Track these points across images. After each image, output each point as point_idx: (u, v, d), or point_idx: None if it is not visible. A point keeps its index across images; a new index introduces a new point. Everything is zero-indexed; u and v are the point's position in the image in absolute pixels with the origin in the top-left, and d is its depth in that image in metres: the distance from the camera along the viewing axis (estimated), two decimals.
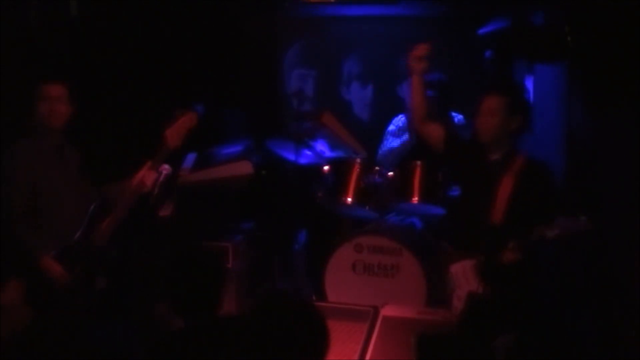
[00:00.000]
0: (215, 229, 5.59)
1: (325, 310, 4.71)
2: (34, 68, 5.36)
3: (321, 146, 6.00)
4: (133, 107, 5.88)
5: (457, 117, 5.87)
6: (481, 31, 6.04)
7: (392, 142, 5.98)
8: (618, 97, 4.75)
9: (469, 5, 6.43)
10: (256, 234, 5.86)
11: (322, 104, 6.98)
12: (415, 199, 5.38)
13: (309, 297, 5.53)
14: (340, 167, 5.59)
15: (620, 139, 4.82)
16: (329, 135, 5.96)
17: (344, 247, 5.43)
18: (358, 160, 5.56)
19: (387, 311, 4.56)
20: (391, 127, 6.00)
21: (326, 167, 5.72)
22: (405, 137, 5.93)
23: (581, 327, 4.79)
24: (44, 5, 5.63)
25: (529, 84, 5.81)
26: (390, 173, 5.52)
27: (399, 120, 5.98)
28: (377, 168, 5.57)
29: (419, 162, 5.41)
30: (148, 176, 4.56)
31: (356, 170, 5.51)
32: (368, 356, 4.28)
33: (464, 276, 4.39)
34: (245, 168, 5.53)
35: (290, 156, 5.78)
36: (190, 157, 5.52)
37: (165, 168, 4.93)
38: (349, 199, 5.48)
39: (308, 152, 5.82)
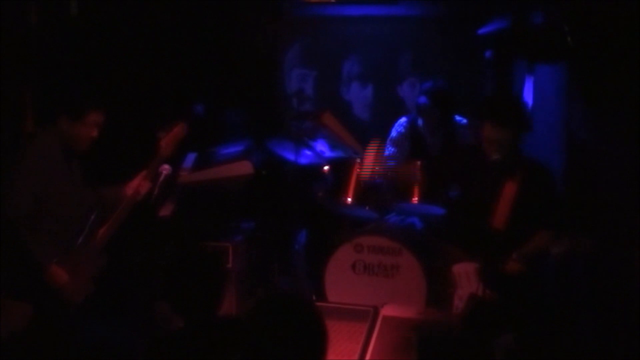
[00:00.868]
0: (215, 229, 5.59)
1: (325, 310, 4.74)
2: (34, 68, 5.37)
3: (321, 146, 6.00)
4: (132, 107, 5.88)
5: (460, 120, 5.87)
6: (481, 31, 6.04)
7: (392, 151, 5.92)
8: (618, 97, 4.75)
9: (469, 5, 6.43)
10: (256, 234, 5.86)
11: (322, 104, 6.97)
12: (415, 199, 5.39)
13: (309, 297, 5.53)
14: (340, 167, 5.59)
15: (620, 139, 4.81)
16: (329, 135, 5.96)
17: (344, 247, 5.43)
18: (358, 160, 5.56)
19: (387, 311, 4.56)
20: (393, 134, 5.95)
21: (326, 167, 5.72)
22: (405, 145, 5.89)
23: (581, 328, 4.79)
24: (44, 5, 5.63)
25: (529, 84, 5.81)
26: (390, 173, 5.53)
27: (400, 125, 5.94)
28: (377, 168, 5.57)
29: (418, 162, 5.41)
30: (143, 185, 4.58)
31: (356, 170, 5.51)
32: (368, 356, 4.28)
33: (466, 277, 4.38)
34: (245, 168, 5.53)
35: (290, 156, 5.77)
36: (190, 157, 5.52)
37: (165, 168, 4.93)
38: (349, 199, 5.49)
39: (308, 152, 5.81)
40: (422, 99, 5.71)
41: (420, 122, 5.83)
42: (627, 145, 4.72)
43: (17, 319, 4.19)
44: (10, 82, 5.20)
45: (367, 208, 5.57)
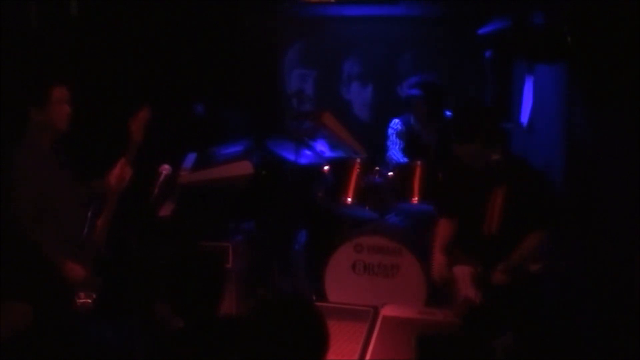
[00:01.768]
0: (215, 229, 5.59)
1: (325, 310, 4.73)
2: (34, 68, 5.36)
3: (321, 146, 6.00)
4: (131, 107, 5.87)
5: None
6: (481, 31, 6.04)
7: (392, 148, 5.95)
8: (618, 97, 4.74)
9: (469, 5, 6.43)
10: (256, 234, 5.86)
11: (322, 104, 6.98)
12: (415, 199, 5.39)
13: (309, 297, 5.53)
14: (340, 167, 5.60)
15: (620, 139, 4.81)
16: (329, 135, 5.97)
17: (344, 247, 5.43)
18: (358, 160, 5.57)
19: (387, 311, 4.56)
20: (390, 131, 5.97)
21: (326, 167, 5.72)
22: (400, 143, 5.91)
23: (581, 327, 4.79)
24: (44, 5, 5.62)
25: (529, 84, 5.81)
26: (390, 173, 5.53)
27: (396, 124, 5.96)
28: (377, 168, 5.57)
29: (419, 162, 5.41)
30: (125, 172, 4.56)
31: (356, 170, 5.51)
32: (368, 356, 4.28)
33: (463, 280, 4.38)
34: (245, 168, 5.53)
35: (290, 156, 5.78)
36: (190, 157, 5.52)
37: (165, 168, 4.93)
38: (349, 199, 5.49)
39: (308, 152, 5.82)
40: (412, 91, 5.77)
41: (412, 120, 5.86)
42: (627, 145, 4.72)
43: (17, 319, 4.19)
44: (10, 82, 5.19)
45: (367, 208, 5.57)
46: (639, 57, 4.55)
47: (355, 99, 7.15)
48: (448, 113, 5.86)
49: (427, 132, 5.84)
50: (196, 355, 3.21)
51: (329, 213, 5.79)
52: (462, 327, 4.17)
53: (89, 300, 4.39)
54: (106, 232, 4.50)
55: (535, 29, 5.52)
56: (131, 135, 4.54)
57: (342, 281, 5.42)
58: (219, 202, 5.71)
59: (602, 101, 4.92)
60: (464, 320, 4.21)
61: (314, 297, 5.49)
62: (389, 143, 5.94)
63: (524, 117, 5.84)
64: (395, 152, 5.88)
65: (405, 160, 5.76)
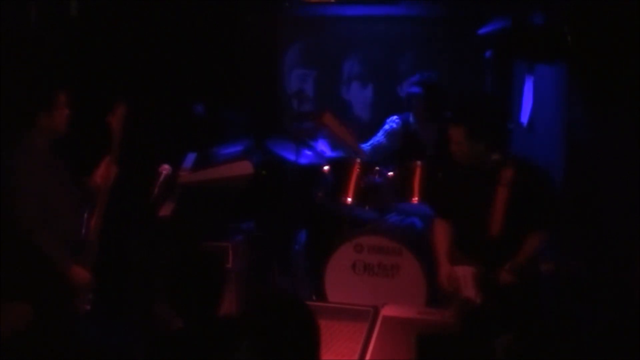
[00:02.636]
0: (215, 229, 5.58)
1: (325, 310, 4.75)
2: (39, 72, 5.36)
3: (321, 146, 6.00)
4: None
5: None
6: (481, 31, 6.04)
7: (381, 141, 5.94)
8: (618, 97, 4.75)
9: (469, 5, 6.42)
10: (256, 234, 5.86)
11: (322, 104, 6.97)
12: (415, 199, 5.38)
13: (309, 297, 5.53)
14: (340, 167, 5.60)
15: (620, 139, 4.81)
16: (329, 136, 5.97)
17: (344, 247, 5.43)
18: (358, 160, 5.57)
19: (387, 311, 4.55)
20: (386, 127, 5.97)
21: (326, 167, 5.72)
22: (395, 141, 5.91)
23: (580, 327, 4.79)
24: (44, 5, 5.62)
25: (529, 83, 5.81)
26: (390, 173, 5.52)
27: (393, 121, 5.96)
28: (377, 168, 5.57)
29: (419, 162, 5.41)
30: (110, 170, 4.55)
31: (356, 170, 5.51)
32: (368, 356, 4.28)
33: (464, 281, 4.37)
34: (245, 168, 5.53)
35: (290, 156, 5.78)
36: (190, 157, 5.52)
37: (165, 168, 4.94)
38: (349, 199, 5.49)
39: (308, 152, 5.82)
40: (412, 89, 5.78)
41: (411, 118, 5.86)
42: (627, 145, 4.72)
43: (17, 319, 4.18)
44: (10, 82, 5.19)
45: (367, 208, 5.57)
46: (639, 57, 4.56)
47: (355, 99, 7.14)
48: (449, 114, 5.86)
49: (426, 131, 5.84)
50: (196, 355, 3.21)
51: (329, 213, 5.79)
52: (462, 327, 4.17)
53: (88, 304, 4.39)
54: (99, 231, 4.51)
55: (535, 29, 5.52)
56: (112, 132, 4.54)
57: (342, 281, 5.42)
58: (219, 202, 5.71)
59: (602, 101, 4.93)
60: (464, 320, 4.20)
61: (314, 297, 5.49)
62: (374, 137, 5.95)
63: (524, 117, 5.84)
64: (366, 145, 5.89)
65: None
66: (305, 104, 6.85)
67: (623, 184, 4.72)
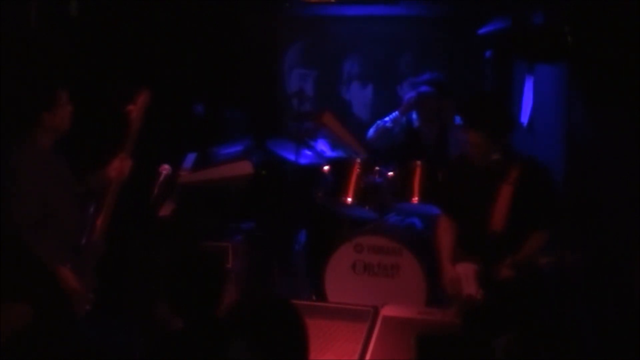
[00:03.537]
0: (215, 229, 5.59)
1: (325, 310, 4.76)
2: (41, 72, 5.35)
3: (321, 146, 6.00)
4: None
5: (457, 119, 5.87)
6: (481, 31, 6.05)
7: (387, 123, 5.92)
8: (618, 97, 4.75)
9: (469, 5, 6.43)
10: (256, 234, 5.86)
11: (322, 104, 6.98)
12: (415, 199, 5.38)
13: (309, 297, 5.53)
14: (340, 167, 5.59)
15: (620, 139, 4.81)
16: (329, 135, 5.97)
17: (344, 247, 5.43)
18: (358, 160, 5.56)
19: (387, 311, 4.55)
20: (393, 115, 5.95)
21: (326, 167, 5.72)
22: (399, 131, 5.92)
23: (580, 326, 4.79)
24: (44, 5, 5.62)
25: (529, 84, 5.81)
26: (390, 173, 5.53)
27: (396, 117, 5.95)
28: (377, 168, 5.57)
29: (419, 162, 5.41)
30: (125, 164, 4.53)
31: (356, 170, 5.51)
32: (368, 356, 4.28)
33: (465, 278, 4.37)
34: (245, 168, 5.53)
35: (290, 156, 5.78)
36: (190, 157, 5.52)
37: (165, 168, 4.94)
38: (349, 199, 5.49)
39: (308, 152, 5.82)
40: (423, 88, 5.77)
41: (414, 115, 5.86)
42: (627, 145, 4.72)
43: (17, 319, 4.18)
44: (10, 82, 5.19)
45: (367, 208, 5.57)
46: (639, 57, 4.56)
47: (355, 99, 7.15)
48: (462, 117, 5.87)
49: (428, 130, 5.85)
50: (196, 355, 3.21)
51: (329, 213, 5.79)
52: (462, 326, 4.16)
53: (88, 303, 4.38)
54: (106, 229, 4.48)
55: (535, 29, 5.53)
56: (131, 122, 4.50)
57: (342, 281, 5.41)
58: (219, 202, 5.71)
59: (602, 101, 4.93)
60: (464, 320, 4.20)
61: (314, 297, 5.49)
62: (375, 126, 5.95)
63: (524, 117, 5.85)
64: (371, 128, 5.90)
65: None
66: (305, 104, 6.85)
67: (623, 184, 4.72)
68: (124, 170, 4.52)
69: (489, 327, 4.07)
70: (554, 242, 4.56)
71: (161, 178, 4.87)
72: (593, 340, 4.69)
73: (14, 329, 4.15)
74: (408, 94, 6.01)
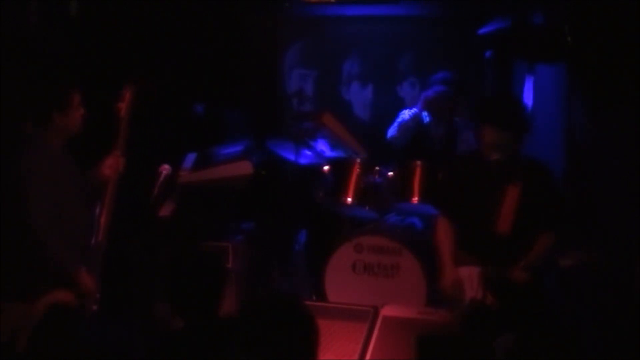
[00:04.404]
0: (215, 229, 5.59)
1: (325, 310, 4.75)
2: (39, 68, 5.35)
3: (321, 146, 6.00)
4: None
5: (460, 120, 5.89)
6: (481, 31, 6.05)
7: (407, 120, 5.92)
8: (618, 97, 4.75)
9: (469, 5, 6.43)
10: (256, 234, 5.86)
11: (322, 104, 6.98)
12: (415, 199, 5.38)
13: (309, 297, 5.53)
14: (340, 167, 5.59)
15: (620, 139, 4.82)
16: (329, 135, 5.97)
17: (344, 247, 5.43)
18: (358, 160, 5.56)
19: (387, 311, 4.55)
20: (412, 110, 5.95)
21: (326, 167, 5.73)
22: (415, 127, 5.92)
23: (581, 328, 4.79)
24: (44, 5, 5.62)
25: (529, 84, 5.81)
26: (390, 173, 5.53)
27: (408, 114, 5.95)
28: (377, 168, 5.57)
29: (419, 162, 5.41)
30: (119, 161, 4.51)
31: (356, 170, 5.51)
32: (368, 356, 4.28)
33: (469, 281, 4.35)
34: (245, 168, 5.53)
35: (290, 156, 5.78)
36: (190, 157, 5.52)
37: (165, 168, 4.93)
38: (349, 199, 5.49)
39: (308, 152, 5.82)
40: (439, 87, 5.78)
41: (425, 114, 5.87)
42: (627, 145, 4.73)
43: (17, 319, 4.18)
44: (10, 82, 5.19)
45: (367, 208, 5.57)
46: (639, 57, 4.56)
47: (355, 99, 7.15)
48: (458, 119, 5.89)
49: (438, 128, 5.87)
50: (196, 355, 3.21)
51: (329, 213, 5.79)
52: (462, 327, 4.16)
53: (95, 304, 4.37)
54: (107, 228, 4.48)
55: (535, 29, 5.53)
56: (121, 120, 4.51)
57: (342, 281, 5.41)
58: (219, 202, 5.71)
59: (602, 101, 4.93)
60: (466, 321, 4.19)
61: (314, 297, 5.49)
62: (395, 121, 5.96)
63: None
64: (392, 127, 5.90)
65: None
66: (305, 104, 6.85)
67: (623, 184, 4.72)
68: (117, 167, 4.52)
69: (489, 328, 4.06)
70: (567, 243, 4.56)
71: (161, 178, 4.87)
72: (593, 341, 4.69)
73: (14, 329, 4.15)
74: (425, 92, 6.00)
